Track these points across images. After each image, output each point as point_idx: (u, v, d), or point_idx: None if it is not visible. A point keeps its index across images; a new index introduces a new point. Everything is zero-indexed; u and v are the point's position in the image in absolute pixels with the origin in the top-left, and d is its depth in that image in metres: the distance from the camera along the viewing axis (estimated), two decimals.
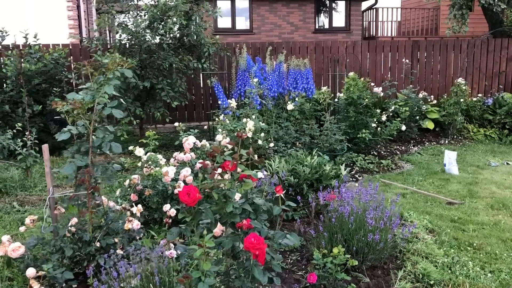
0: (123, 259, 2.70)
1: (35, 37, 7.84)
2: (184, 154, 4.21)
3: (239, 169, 2.49)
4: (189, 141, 4.24)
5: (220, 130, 5.29)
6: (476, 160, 7.43)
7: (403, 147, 8.57)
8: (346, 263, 3.15)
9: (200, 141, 4.62)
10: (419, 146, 8.75)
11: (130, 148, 4.12)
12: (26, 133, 7.03)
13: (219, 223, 2.44)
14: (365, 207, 3.32)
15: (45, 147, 3.26)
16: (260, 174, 3.72)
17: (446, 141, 9.12)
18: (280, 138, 6.44)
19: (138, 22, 6.66)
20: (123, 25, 6.77)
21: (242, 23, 15.42)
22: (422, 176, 6.43)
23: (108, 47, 7.59)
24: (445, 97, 9.78)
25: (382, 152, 8.00)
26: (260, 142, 5.18)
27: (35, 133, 7.27)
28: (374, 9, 16.43)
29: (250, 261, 2.26)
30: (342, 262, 3.02)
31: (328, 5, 16.08)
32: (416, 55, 10.23)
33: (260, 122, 5.66)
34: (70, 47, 8.60)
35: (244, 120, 5.29)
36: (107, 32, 11.38)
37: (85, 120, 3.05)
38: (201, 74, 7.68)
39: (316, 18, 15.94)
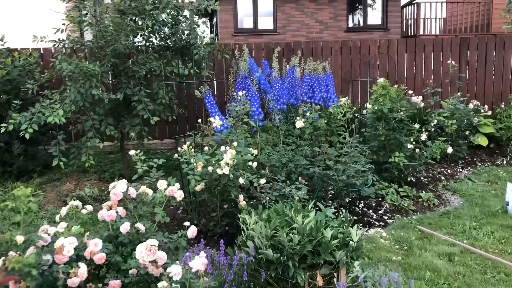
0: None
1: (1, 40, 6.66)
2: (109, 209, 2.77)
3: None
4: (118, 189, 2.80)
5: (193, 161, 3.82)
6: None
7: (449, 170, 6.84)
8: None
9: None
10: (469, 168, 6.98)
11: None
12: None
13: None
14: None
15: None
16: (199, 262, 2.22)
17: (504, 162, 7.30)
18: (284, 166, 4.92)
19: (103, 17, 5.28)
20: (87, 21, 5.43)
21: (266, 23, 13.92)
22: (475, 219, 4.74)
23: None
24: (503, 106, 7.95)
25: (421, 178, 6.32)
26: (241, 180, 3.67)
27: None
28: (415, 4, 14.53)
29: None
30: None
31: (362, 0, 14.33)
32: (465, 56, 8.42)
33: (250, 148, 4.15)
34: (50, 51, 7.43)
35: (222, 148, 3.81)
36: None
37: None
38: (191, 83, 6.23)
39: (349, 15, 14.23)
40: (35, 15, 10.27)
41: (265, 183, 4.10)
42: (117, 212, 2.76)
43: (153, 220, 3.01)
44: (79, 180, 6.28)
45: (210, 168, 3.66)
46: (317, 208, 3.24)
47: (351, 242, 2.81)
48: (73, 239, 2.43)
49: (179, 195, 2.88)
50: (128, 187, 2.85)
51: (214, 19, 16.19)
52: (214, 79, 7.61)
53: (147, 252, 2.30)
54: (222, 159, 3.62)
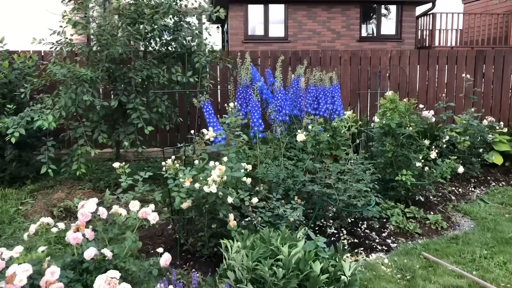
0: None
1: (1, 41, 6.50)
2: (76, 231, 2.51)
3: None
4: (86, 209, 2.54)
5: (180, 175, 3.55)
6: None
7: (460, 189, 6.47)
8: None
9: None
10: (482, 187, 6.60)
11: None
12: None
13: None
14: None
15: None
16: None
17: None
18: (282, 182, 4.63)
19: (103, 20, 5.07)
20: (83, 24, 5.22)
21: (277, 30, 13.68)
22: (486, 246, 4.38)
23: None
24: None
25: (430, 197, 5.97)
26: (230, 200, 3.39)
27: None
28: (431, 15, 14.17)
29: None
30: None
31: (376, 9, 14.02)
32: (481, 69, 8.07)
33: (243, 163, 3.88)
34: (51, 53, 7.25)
35: (211, 163, 3.53)
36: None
37: None
38: (191, 91, 5.98)
39: (362, 24, 13.92)
40: (38, 17, 10.15)
41: (259, 201, 3.81)
42: (84, 234, 2.50)
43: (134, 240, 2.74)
44: (72, 188, 6.05)
45: (197, 185, 3.39)
46: (303, 239, 2.92)
47: (343, 277, 2.51)
48: (27, 266, 2.17)
49: (153, 217, 2.61)
50: (98, 207, 2.59)
51: (226, 25, 16.02)
52: (218, 87, 7.37)
53: (106, 286, 2.03)
54: (210, 175, 3.35)
